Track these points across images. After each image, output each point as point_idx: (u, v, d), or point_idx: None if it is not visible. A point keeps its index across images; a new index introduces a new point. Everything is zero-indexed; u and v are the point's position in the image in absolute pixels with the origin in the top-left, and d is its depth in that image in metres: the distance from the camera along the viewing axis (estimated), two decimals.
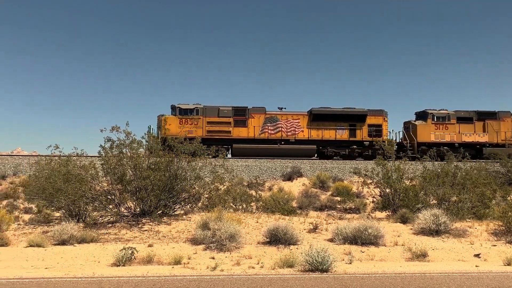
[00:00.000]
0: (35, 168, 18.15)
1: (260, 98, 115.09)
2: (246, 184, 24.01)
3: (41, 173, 16.74)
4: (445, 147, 32.02)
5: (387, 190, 17.91)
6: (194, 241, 12.17)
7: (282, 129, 32.07)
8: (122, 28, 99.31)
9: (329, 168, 28.16)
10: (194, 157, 15.82)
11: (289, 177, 26.38)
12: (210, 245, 11.64)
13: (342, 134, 32.31)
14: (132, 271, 9.32)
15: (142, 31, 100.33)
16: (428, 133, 32.37)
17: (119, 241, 12.33)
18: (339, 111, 32.76)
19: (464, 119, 33.07)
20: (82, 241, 12.09)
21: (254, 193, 19.49)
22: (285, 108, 33.20)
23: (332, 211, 20.45)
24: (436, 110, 33.28)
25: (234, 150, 31.47)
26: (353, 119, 32.55)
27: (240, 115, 32.28)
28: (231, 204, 17.02)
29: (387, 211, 18.01)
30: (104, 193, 15.06)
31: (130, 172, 15.17)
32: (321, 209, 20.86)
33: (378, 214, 18.70)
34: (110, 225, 13.99)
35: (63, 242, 11.95)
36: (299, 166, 27.68)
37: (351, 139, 32.30)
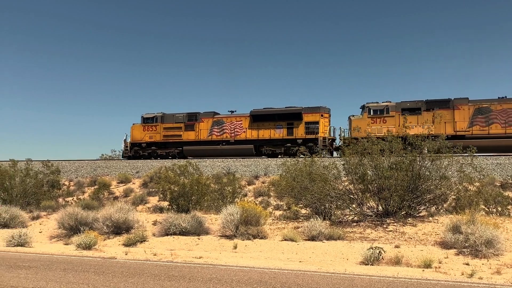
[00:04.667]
0: (281, 168, 19.86)
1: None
2: (498, 184, 21.45)
3: (288, 173, 18.20)
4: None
5: None
6: (444, 245, 11.42)
7: (227, 131, 35.06)
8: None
9: None
10: (438, 154, 14.91)
11: None
12: (463, 250, 10.75)
13: (280, 133, 33.52)
14: (382, 271, 9.29)
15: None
16: (363, 128, 29.49)
17: (365, 240, 12.47)
18: (276, 111, 34.11)
19: (410, 110, 30.43)
20: (329, 238, 12.65)
21: (510, 195, 17.27)
22: (235, 111, 35.92)
23: None
24: (377, 102, 31.43)
25: (185, 151, 35.56)
26: (290, 117, 33.43)
27: (191, 120, 36.20)
28: (482, 206, 15.45)
29: None
30: (347, 192, 15.48)
31: (370, 172, 15.21)
32: None
33: None
34: (354, 223, 14.27)
35: (312, 238, 12.72)
36: None
37: (288, 137, 33.30)
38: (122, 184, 28.36)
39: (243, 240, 13.01)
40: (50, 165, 24.56)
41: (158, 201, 22.64)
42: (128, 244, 13.39)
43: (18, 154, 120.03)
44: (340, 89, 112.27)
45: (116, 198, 25.30)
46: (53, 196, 23.34)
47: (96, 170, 32.90)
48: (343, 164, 15.83)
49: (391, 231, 13.18)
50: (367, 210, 15.10)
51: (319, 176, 15.75)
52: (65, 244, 14.21)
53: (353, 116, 32.21)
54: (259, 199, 22.89)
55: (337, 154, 32.88)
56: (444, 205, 15.36)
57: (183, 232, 14.03)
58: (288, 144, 33.29)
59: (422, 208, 15.15)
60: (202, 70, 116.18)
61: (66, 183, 28.78)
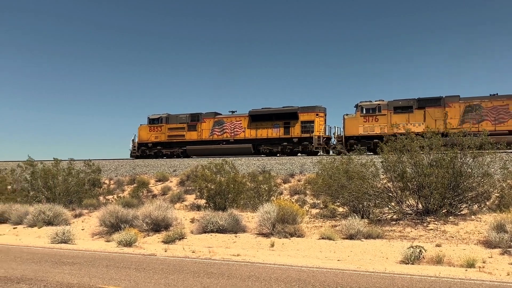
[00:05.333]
0: (317, 167, 19.71)
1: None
2: None
3: (324, 171, 18.04)
4: (376, 140, 29.26)
5: None
6: (488, 244, 11.08)
7: (227, 131, 35.77)
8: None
9: None
10: (480, 151, 14.44)
11: None
12: (508, 249, 10.40)
13: (278, 132, 34.08)
14: (423, 270, 9.10)
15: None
16: (356, 126, 31.40)
17: (405, 239, 12.23)
18: (273, 110, 34.64)
19: (402, 108, 30.54)
20: (368, 236, 12.48)
21: None
22: (235, 111, 36.50)
23: None
24: (370, 101, 31.63)
25: (188, 150, 36.47)
26: (286, 117, 34.00)
27: (194, 120, 37.09)
28: None
29: None
30: (385, 190, 15.21)
31: (409, 170, 14.89)
32: None
33: None
34: (393, 222, 14.02)
35: (350, 237, 12.58)
36: None
37: (285, 136, 33.88)
38: (160, 183, 28.81)
39: (280, 238, 13.00)
40: (92, 164, 25.22)
41: (195, 199, 22.85)
42: (167, 241, 13.61)
43: (18, 154, 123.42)
44: (339, 89, 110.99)
45: (154, 196, 25.75)
46: (94, 194, 23.96)
47: (135, 169, 33.54)
48: (382, 162, 15.55)
49: (431, 229, 12.88)
50: (407, 208, 14.80)
51: (357, 174, 15.55)
52: (107, 241, 14.60)
53: (347, 115, 32.62)
54: (295, 197, 22.74)
55: (332, 153, 33.94)
56: (487, 203, 14.87)
57: (220, 230, 14.15)
58: (284, 143, 33.89)
59: (464, 206, 14.73)
60: (202, 70, 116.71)
61: (107, 181, 29.47)
